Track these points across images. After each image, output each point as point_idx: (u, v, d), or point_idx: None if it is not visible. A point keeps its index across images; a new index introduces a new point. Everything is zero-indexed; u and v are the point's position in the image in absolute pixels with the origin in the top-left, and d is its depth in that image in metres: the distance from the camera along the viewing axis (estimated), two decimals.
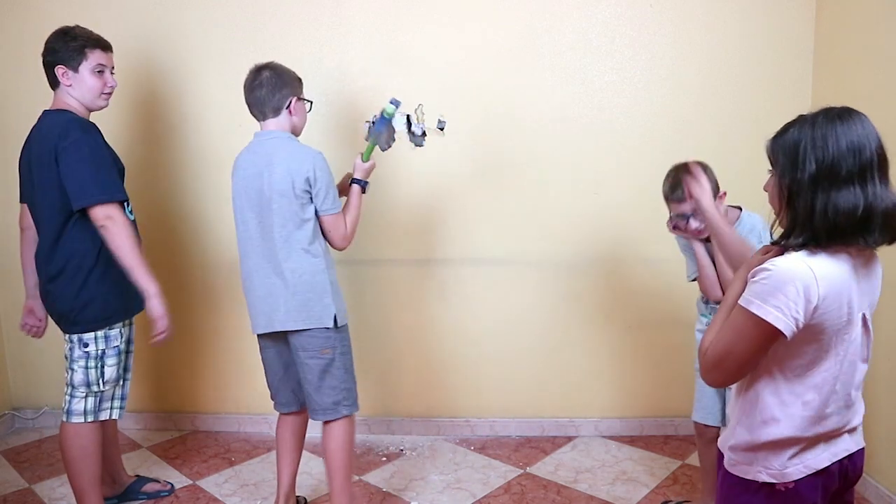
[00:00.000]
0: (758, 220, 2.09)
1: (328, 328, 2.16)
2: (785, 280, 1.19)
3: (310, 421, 2.36)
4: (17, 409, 3.29)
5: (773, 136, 1.31)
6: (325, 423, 2.24)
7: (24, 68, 3.00)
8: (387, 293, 3.07)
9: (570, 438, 3.09)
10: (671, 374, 2.99)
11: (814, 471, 1.32)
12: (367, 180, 2.33)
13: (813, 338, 1.24)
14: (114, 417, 2.28)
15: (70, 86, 2.17)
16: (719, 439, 1.44)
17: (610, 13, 2.85)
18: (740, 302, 1.25)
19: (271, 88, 2.14)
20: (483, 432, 3.13)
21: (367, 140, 2.31)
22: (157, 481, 2.68)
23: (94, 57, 2.18)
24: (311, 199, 2.12)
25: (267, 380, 2.36)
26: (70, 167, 2.06)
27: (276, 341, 2.26)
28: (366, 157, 2.32)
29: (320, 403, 2.21)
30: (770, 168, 1.32)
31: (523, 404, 3.12)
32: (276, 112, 2.17)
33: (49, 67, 2.17)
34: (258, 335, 2.28)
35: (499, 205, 2.97)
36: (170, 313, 2.16)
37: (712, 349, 1.29)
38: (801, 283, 1.19)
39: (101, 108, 2.26)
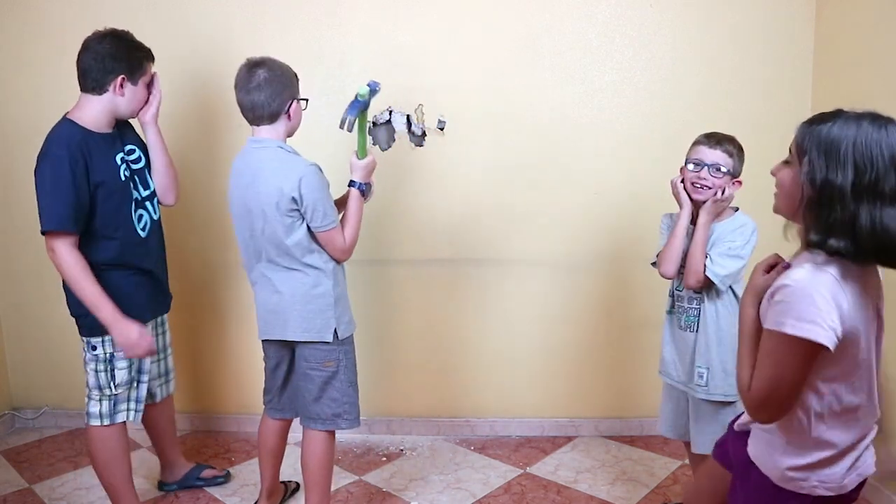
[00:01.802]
0: (749, 222, 2.06)
1: (328, 342, 2.10)
2: (809, 291, 1.14)
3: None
4: (17, 409, 3.29)
5: (806, 122, 1.21)
6: (308, 431, 2.18)
7: (24, 69, 3.01)
8: (386, 293, 3.07)
9: (570, 438, 3.09)
10: None
11: (864, 477, 1.30)
12: (369, 182, 2.21)
13: (850, 342, 1.18)
14: (129, 420, 2.26)
15: (122, 96, 2.14)
16: (756, 453, 1.36)
17: (610, 13, 2.85)
18: (770, 327, 1.18)
19: (271, 93, 2.02)
20: (483, 432, 3.13)
21: (350, 131, 2.11)
22: (214, 468, 2.73)
23: (149, 70, 2.22)
24: (300, 215, 2.01)
25: (265, 384, 2.34)
26: (36, 190, 2.03)
27: (279, 350, 2.23)
28: (361, 153, 2.18)
29: (319, 413, 2.15)
30: (789, 156, 1.23)
31: (523, 404, 3.12)
32: (273, 118, 2.05)
33: (103, 73, 2.10)
34: (262, 342, 2.25)
35: (498, 205, 2.97)
36: (135, 335, 2.09)
37: (756, 385, 1.21)
38: (827, 289, 1.14)
39: (134, 118, 2.26)
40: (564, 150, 2.92)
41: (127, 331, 2.08)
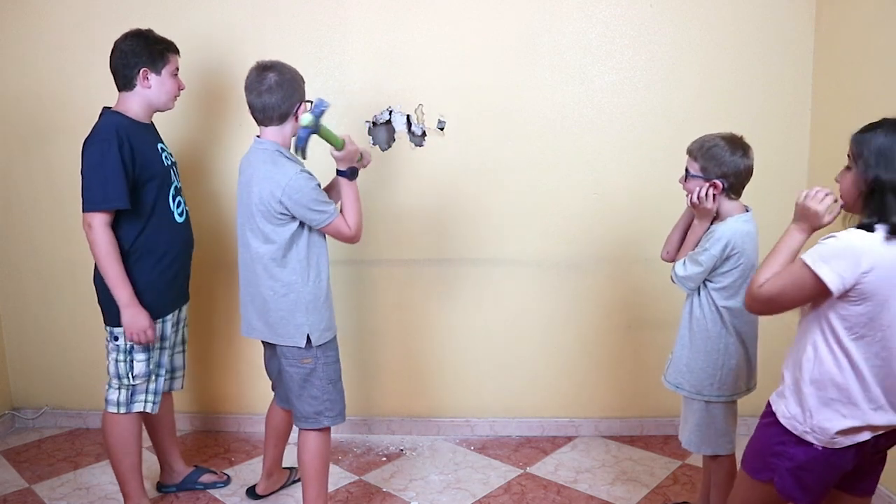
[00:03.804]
0: (724, 233, 1.98)
1: (300, 347, 2.13)
2: (844, 246, 1.41)
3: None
4: (17, 409, 3.29)
5: (858, 132, 1.49)
6: (301, 430, 2.23)
7: (24, 69, 3.01)
8: (387, 293, 3.07)
9: (570, 438, 3.09)
10: None
11: (820, 437, 1.51)
12: (354, 166, 2.17)
13: (860, 299, 1.43)
14: (147, 411, 2.31)
15: (149, 88, 2.25)
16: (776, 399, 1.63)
17: (610, 13, 2.85)
18: (804, 257, 1.46)
19: (282, 96, 2.09)
20: (483, 432, 3.13)
21: (305, 158, 2.10)
22: (215, 472, 2.73)
23: (173, 61, 2.31)
24: (291, 218, 2.06)
25: (268, 375, 2.43)
26: (82, 172, 2.16)
27: (269, 344, 2.29)
28: (337, 146, 2.11)
29: (301, 411, 2.20)
30: (849, 162, 1.51)
31: (523, 404, 3.12)
32: (283, 119, 2.12)
33: (128, 69, 2.22)
34: None
35: (498, 205, 2.97)
36: (145, 322, 2.18)
37: (768, 287, 1.51)
38: (859, 250, 1.40)
39: (170, 108, 2.36)
40: (564, 150, 2.92)
41: (139, 315, 2.17)
